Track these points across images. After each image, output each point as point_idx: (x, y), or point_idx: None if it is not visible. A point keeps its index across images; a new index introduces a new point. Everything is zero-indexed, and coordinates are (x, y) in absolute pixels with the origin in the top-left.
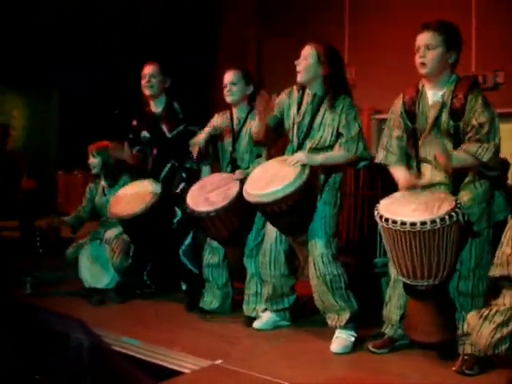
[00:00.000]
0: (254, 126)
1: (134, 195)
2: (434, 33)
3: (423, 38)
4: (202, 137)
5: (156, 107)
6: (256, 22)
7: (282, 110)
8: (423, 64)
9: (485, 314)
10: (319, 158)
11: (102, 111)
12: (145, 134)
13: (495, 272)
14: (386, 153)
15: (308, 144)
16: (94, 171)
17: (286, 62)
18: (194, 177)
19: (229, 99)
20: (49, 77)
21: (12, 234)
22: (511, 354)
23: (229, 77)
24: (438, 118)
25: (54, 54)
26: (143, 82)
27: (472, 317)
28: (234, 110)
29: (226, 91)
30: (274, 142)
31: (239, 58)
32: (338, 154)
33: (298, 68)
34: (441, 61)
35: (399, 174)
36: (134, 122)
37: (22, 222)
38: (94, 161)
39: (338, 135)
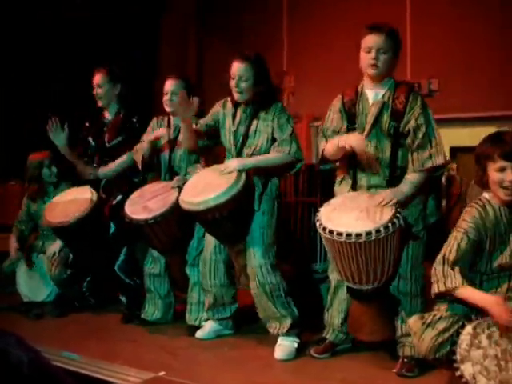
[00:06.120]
0: (181, 133)
1: (69, 202)
2: (386, 37)
3: (375, 41)
4: (145, 145)
5: (109, 115)
6: (196, 30)
7: (217, 120)
8: (375, 66)
9: (428, 320)
10: (251, 161)
11: (36, 121)
12: (90, 140)
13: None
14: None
15: (245, 151)
16: (51, 180)
17: (225, 68)
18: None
19: (169, 109)
20: None
21: None
22: (451, 358)
23: (170, 85)
24: (378, 118)
25: None
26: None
27: (414, 322)
28: (172, 118)
29: (165, 99)
30: (209, 149)
31: (180, 65)
32: (271, 156)
33: (239, 89)
34: (390, 65)
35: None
36: (87, 124)
37: None
38: (48, 171)
39: (273, 141)
